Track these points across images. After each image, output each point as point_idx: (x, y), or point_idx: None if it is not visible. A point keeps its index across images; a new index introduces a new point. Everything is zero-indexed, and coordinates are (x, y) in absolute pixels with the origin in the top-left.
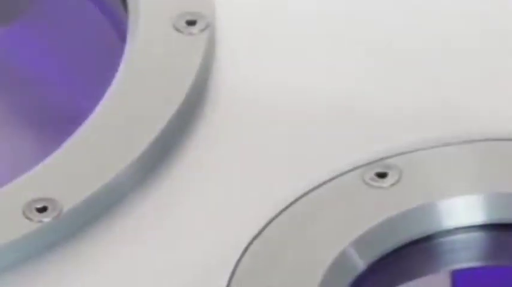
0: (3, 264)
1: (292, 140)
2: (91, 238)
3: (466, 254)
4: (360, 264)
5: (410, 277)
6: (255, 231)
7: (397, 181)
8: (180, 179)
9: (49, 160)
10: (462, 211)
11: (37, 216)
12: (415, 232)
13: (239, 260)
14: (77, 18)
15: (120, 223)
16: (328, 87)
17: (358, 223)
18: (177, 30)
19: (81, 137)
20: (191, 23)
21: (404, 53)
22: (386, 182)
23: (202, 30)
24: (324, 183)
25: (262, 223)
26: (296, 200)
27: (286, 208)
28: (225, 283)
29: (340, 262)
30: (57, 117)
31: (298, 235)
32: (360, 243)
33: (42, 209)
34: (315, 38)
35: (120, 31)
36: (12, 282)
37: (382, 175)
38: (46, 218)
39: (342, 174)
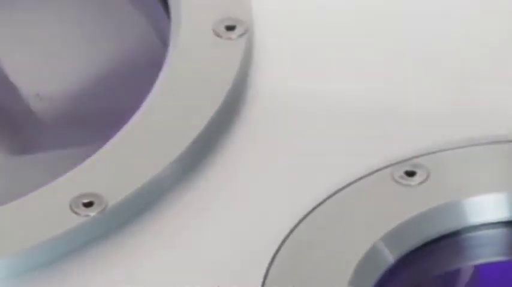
0: (51, 256)
1: (326, 140)
2: (134, 232)
3: (491, 249)
4: (390, 258)
5: (437, 270)
6: (291, 226)
7: (425, 179)
8: (218, 177)
9: (95, 157)
10: (487, 208)
11: (83, 210)
12: (442, 227)
13: (275, 254)
14: (123, 24)
15: (161, 218)
16: (361, 90)
17: (388, 218)
18: (217, 35)
19: (126, 136)
20: (230, 28)
21: (434, 55)
22: (415, 181)
23: (241, 35)
24: (356, 181)
25: (297, 218)
26: (329, 196)
27: (320, 204)
28: (262, 274)
29: (371, 255)
30: (103, 116)
31: (332, 230)
32: (390, 238)
33: (89, 204)
34: (348, 42)
35: (163, 36)
36: (59, 274)
37: (411, 174)
38: (92, 212)
39: (372, 172)
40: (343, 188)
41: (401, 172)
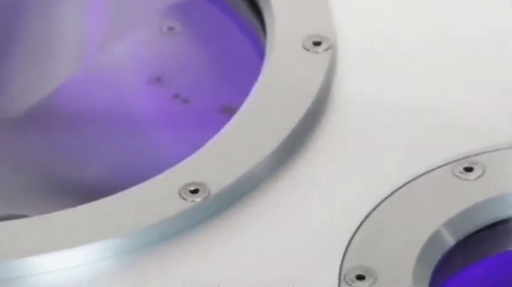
0: (161, 236)
1: (397, 141)
2: (232, 216)
3: None
4: (450, 241)
5: (490, 252)
6: (367, 212)
7: (481, 175)
8: (305, 170)
9: (201, 151)
10: None
11: (190, 197)
12: (495, 215)
13: (354, 235)
14: (228, 41)
15: (256, 204)
16: (428, 99)
17: (449, 208)
18: (305, 49)
19: (227, 134)
20: (317, 43)
21: (488, 68)
22: (472, 176)
23: (326, 50)
24: (422, 175)
25: (372, 206)
26: (399, 188)
27: (392, 194)
28: (342, 251)
29: (434, 238)
30: (205, 117)
31: (401, 216)
32: (450, 224)
33: (195, 191)
34: (418, 57)
35: (260, 49)
36: (167, 252)
37: (469, 169)
38: (197, 198)
39: (436, 168)
40: (412, 181)
41: (460, 168)
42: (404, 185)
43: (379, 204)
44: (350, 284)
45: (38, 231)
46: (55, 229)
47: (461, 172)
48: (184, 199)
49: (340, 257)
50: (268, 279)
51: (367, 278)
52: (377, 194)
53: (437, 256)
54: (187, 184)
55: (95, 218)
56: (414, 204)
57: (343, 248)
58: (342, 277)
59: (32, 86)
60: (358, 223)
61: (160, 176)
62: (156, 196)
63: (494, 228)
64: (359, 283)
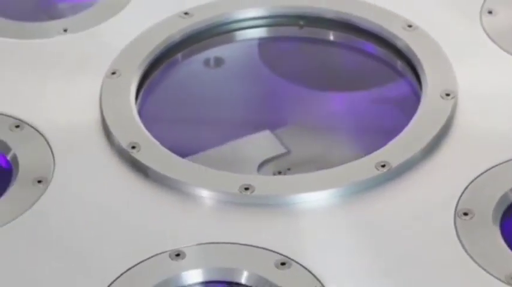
0: (359, 190)
1: (496, 148)
2: (401, 183)
3: None
4: None
5: None
6: (471, 179)
7: None
8: (438, 162)
9: (386, 146)
10: None
11: (380, 169)
12: None
13: (462, 193)
14: (397, 91)
15: (414, 177)
16: None
17: None
18: (441, 98)
19: (397, 141)
20: (447, 95)
21: None
22: None
23: (452, 98)
24: (508, 160)
25: (474, 177)
26: (492, 167)
27: (486, 171)
28: (456, 201)
29: (505, 196)
30: (377, 135)
31: (490, 181)
32: None
33: (383, 166)
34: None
35: (417, 98)
36: (361, 201)
37: None
38: (384, 169)
39: None
40: (501, 163)
41: None
42: (496, 165)
43: (479, 175)
44: (460, 217)
45: (306, 180)
46: (314, 181)
47: None
48: (377, 169)
49: (456, 202)
50: (418, 215)
51: (469, 214)
52: (477, 172)
53: (505, 206)
54: (378, 162)
55: (329, 177)
56: (498, 174)
57: (457, 198)
58: (456, 213)
59: None
60: (466, 184)
61: (366, 158)
62: (361, 168)
63: None
64: (465, 217)
